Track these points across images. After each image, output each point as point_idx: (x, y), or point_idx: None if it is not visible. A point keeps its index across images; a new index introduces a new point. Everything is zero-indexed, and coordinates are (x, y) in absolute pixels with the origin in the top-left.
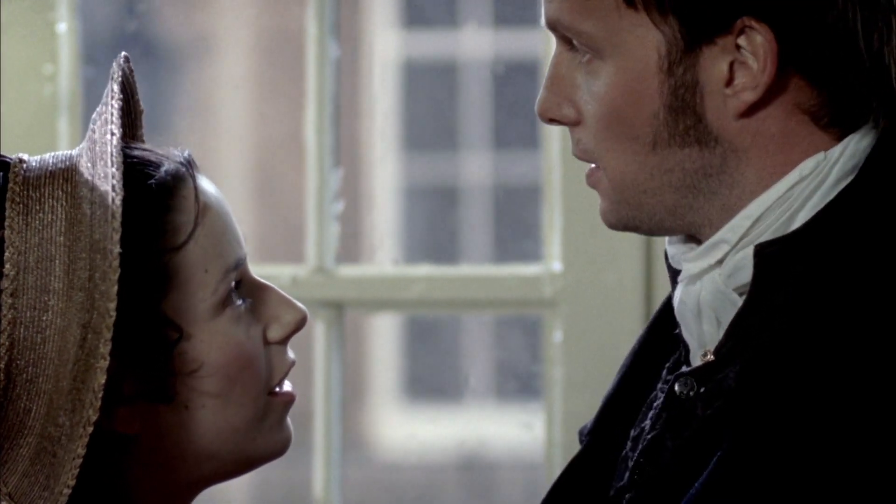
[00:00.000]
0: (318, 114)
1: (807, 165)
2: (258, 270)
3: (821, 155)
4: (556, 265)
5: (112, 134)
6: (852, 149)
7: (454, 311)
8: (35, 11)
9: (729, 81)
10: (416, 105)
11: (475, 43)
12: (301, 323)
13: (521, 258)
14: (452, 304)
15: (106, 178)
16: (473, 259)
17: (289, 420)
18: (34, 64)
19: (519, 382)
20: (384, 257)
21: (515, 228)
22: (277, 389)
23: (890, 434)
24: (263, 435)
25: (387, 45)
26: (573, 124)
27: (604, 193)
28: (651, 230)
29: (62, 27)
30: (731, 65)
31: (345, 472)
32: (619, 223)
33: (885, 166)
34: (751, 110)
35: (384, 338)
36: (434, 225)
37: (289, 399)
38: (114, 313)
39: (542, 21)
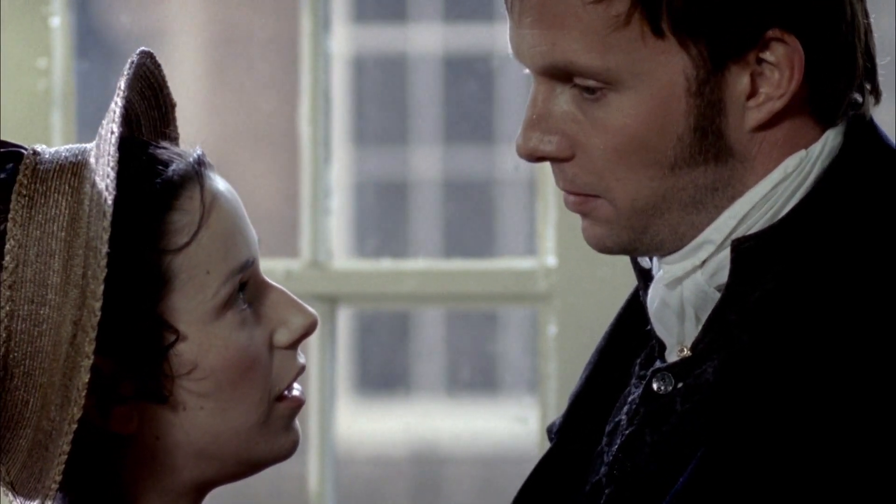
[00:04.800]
0: (312, 109)
1: (790, 163)
2: None
3: (802, 152)
4: (551, 259)
5: (112, 133)
6: (831, 144)
7: (449, 305)
8: (29, 6)
9: (751, 94)
10: (367, 99)
11: (425, 38)
12: (311, 328)
13: (472, 252)
14: (447, 299)
15: (104, 176)
16: (423, 253)
17: (297, 422)
18: (28, 58)
19: (472, 377)
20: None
21: (466, 223)
22: (285, 394)
23: (867, 424)
24: (267, 438)
25: (336, 40)
26: (565, 160)
27: (602, 220)
28: (648, 251)
29: (56, 21)
30: (752, 77)
31: (300, 467)
32: (618, 247)
33: (855, 161)
34: (772, 120)
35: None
36: (384, 219)
37: (296, 404)
38: (99, 313)
39: (530, 65)
